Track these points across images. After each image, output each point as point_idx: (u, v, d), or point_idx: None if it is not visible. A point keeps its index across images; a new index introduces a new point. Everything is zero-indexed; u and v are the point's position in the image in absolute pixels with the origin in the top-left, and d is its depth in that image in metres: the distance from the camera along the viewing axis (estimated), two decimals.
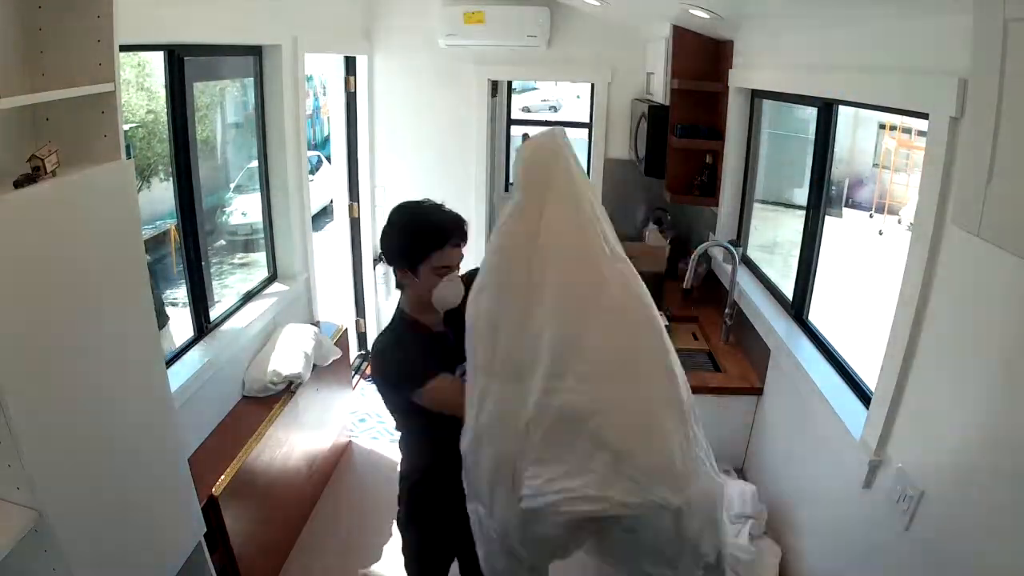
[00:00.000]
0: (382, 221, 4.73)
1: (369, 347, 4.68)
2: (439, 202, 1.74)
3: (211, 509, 2.20)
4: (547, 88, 13.66)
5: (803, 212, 2.43)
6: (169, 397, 1.96)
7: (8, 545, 1.34)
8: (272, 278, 3.25)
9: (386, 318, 5.05)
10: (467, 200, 4.35)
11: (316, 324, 3.46)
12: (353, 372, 4.15)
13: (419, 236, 1.65)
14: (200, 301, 2.63)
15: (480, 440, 1.41)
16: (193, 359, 2.48)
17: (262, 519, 2.61)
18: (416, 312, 1.75)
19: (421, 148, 4.27)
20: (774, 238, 3.16)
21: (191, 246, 2.57)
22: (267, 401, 2.75)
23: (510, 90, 5.37)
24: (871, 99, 1.81)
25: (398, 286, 1.76)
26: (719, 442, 2.57)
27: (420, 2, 3.93)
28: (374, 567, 2.77)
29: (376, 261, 4.48)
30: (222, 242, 4.90)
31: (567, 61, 4.04)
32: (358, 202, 4.32)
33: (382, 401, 1.79)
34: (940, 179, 1.37)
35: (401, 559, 2.04)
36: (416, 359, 1.68)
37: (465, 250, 1.71)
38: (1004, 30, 1.12)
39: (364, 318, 4.61)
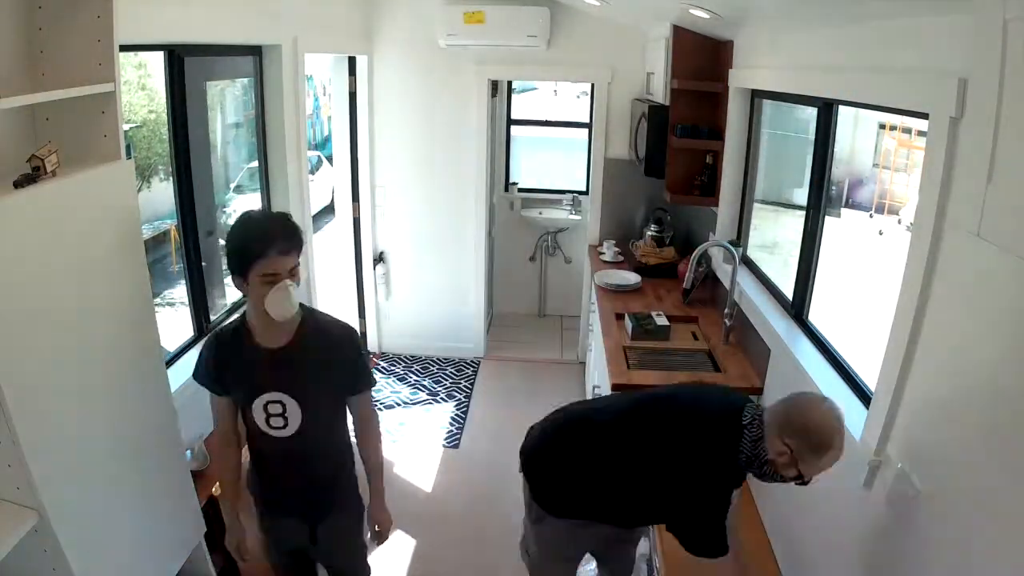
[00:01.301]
0: (383, 221, 4.74)
1: (369, 347, 4.69)
2: (287, 212, 1.77)
3: (211, 509, 2.20)
4: None
5: (803, 212, 2.43)
6: (169, 397, 1.97)
7: (8, 545, 1.34)
8: None
9: (386, 317, 5.04)
10: (467, 200, 4.36)
11: None
12: None
13: (242, 245, 1.64)
14: (200, 301, 2.63)
15: None
16: (193, 359, 2.47)
17: None
18: (255, 322, 1.73)
19: (421, 148, 4.27)
20: (774, 238, 3.16)
21: (191, 246, 2.57)
22: None
23: (510, 90, 5.37)
24: (871, 99, 1.80)
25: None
26: None
27: (420, 2, 3.93)
28: None
29: (376, 261, 4.48)
30: (222, 242, 4.90)
31: (567, 61, 4.04)
32: (358, 202, 4.32)
33: None
34: (940, 179, 1.37)
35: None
36: (211, 364, 1.77)
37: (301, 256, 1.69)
38: (1004, 30, 1.12)
39: (364, 318, 4.62)
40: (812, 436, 1.50)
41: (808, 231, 2.38)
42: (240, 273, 1.64)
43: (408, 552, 2.90)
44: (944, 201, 1.37)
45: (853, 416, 1.78)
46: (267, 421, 1.75)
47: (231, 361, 1.75)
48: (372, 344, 4.70)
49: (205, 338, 1.83)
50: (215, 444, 1.89)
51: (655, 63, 3.52)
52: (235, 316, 1.86)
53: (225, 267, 3.46)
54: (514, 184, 5.32)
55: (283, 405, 1.73)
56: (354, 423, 1.92)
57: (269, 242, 1.60)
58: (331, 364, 1.77)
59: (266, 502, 1.92)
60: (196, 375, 1.83)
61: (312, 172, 8.24)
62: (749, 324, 2.67)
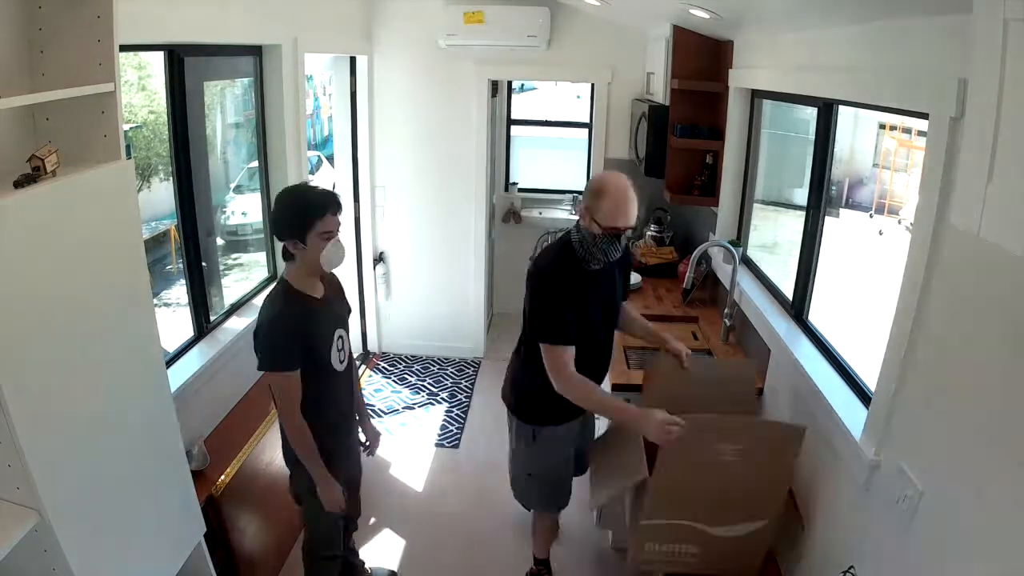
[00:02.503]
0: (382, 221, 4.75)
1: (368, 347, 4.69)
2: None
3: (211, 509, 2.20)
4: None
5: (803, 212, 2.43)
6: (169, 397, 1.96)
7: (8, 545, 1.34)
8: (272, 278, 3.25)
9: (386, 318, 5.02)
10: (467, 199, 4.36)
11: None
12: None
13: (304, 208, 1.91)
14: (200, 301, 2.63)
15: None
16: (193, 359, 2.48)
17: (262, 519, 2.61)
18: (301, 284, 1.99)
19: (421, 148, 4.27)
20: (774, 238, 3.16)
21: (191, 246, 2.57)
22: (267, 401, 2.75)
23: (510, 90, 5.37)
24: (871, 99, 1.80)
25: (286, 258, 1.98)
26: None
27: (420, 2, 3.93)
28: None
29: (376, 261, 4.48)
30: (221, 242, 4.90)
31: (567, 61, 4.04)
32: (358, 202, 4.32)
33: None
34: (940, 179, 1.37)
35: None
36: (292, 339, 1.92)
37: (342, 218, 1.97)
38: (1004, 30, 1.11)
39: (364, 318, 4.62)
40: (591, 186, 2.13)
41: (808, 231, 2.38)
42: (298, 234, 1.89)
43: (406, 552, 2.90)
44: (944, 201, 1.37)
45: (853, 416, 1.79)
46: (340, 359, 2.07)
47: (307, 323, 1.96)
48: (372, 344, 4.70)
49: (266, 326, 1.93)
50: (297, 421, 1.98)
51: (655, 63, 3.52)
52: (264, 294, 2.16)
53: (224, 267, 3.48)
54: (514, 184, 5.32)
55: (343, 339, 2.10)
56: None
57: (326, 205, 1.90)
58: (343, 297, 2.20)
59: (335, 443, 2.14)
60: (276, 362, 1.93)
61: (312, 172, 8.23)
62: (749, 324, 2.67)
